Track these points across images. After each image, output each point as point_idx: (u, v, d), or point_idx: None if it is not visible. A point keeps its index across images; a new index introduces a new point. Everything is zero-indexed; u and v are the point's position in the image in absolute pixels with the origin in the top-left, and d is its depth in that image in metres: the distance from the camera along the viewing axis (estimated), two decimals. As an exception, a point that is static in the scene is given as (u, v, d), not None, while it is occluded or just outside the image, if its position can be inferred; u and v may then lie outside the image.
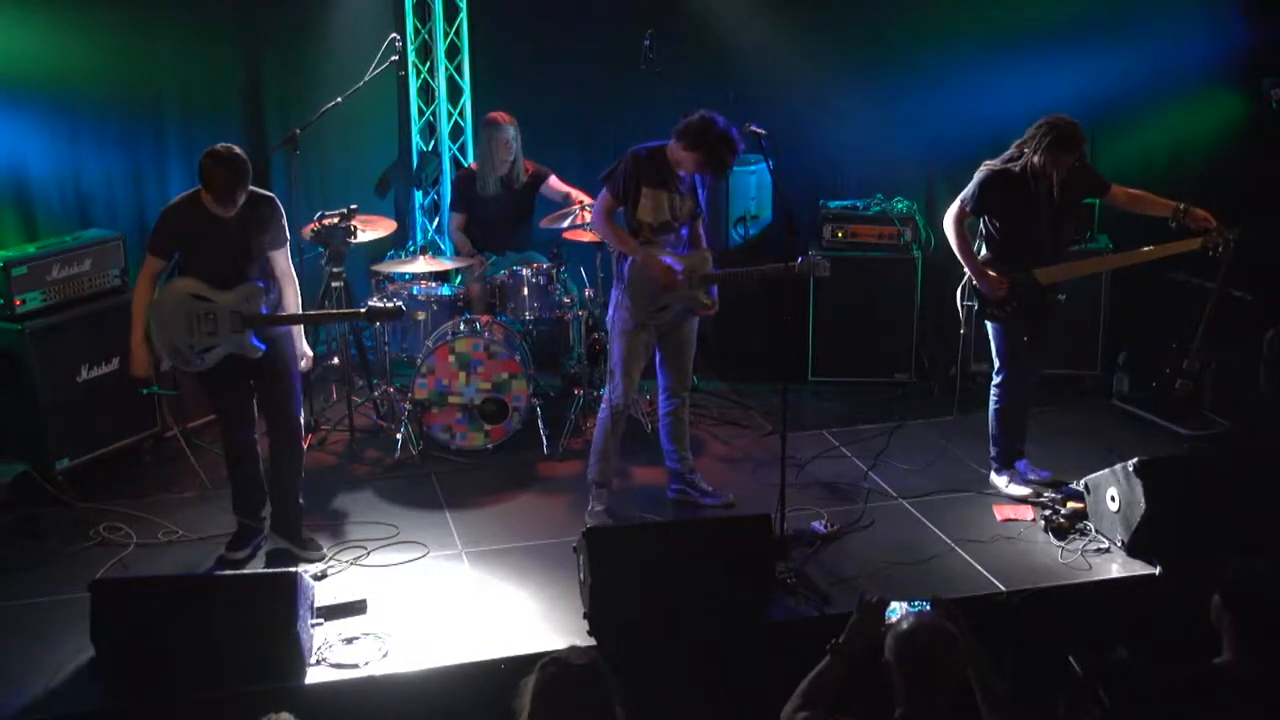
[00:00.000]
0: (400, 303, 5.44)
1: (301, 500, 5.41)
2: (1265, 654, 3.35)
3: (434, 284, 6.75)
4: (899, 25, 7.77)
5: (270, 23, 7.44)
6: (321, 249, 6.35)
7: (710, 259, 5.63)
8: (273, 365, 5.19)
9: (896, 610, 3.66)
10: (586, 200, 6.69)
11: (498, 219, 6.98)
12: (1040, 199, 5.45)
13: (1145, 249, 5.79)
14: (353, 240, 6.32)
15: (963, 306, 5.75)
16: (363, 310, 5.42)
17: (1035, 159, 5.36)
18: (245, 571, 5.13)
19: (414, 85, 7.88)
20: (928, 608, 3.62)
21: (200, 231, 4.98)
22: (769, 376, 6.98)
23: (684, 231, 5.56)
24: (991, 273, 5.58)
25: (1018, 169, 5.44)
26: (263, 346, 5.09)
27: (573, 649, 3.26)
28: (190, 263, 5.08)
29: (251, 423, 5.33)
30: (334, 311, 5.69)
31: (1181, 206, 5.47)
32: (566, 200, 6.84)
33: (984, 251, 5.67)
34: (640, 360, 5.58)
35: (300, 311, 5.39)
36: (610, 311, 5.64)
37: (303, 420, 5.47)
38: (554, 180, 6.99)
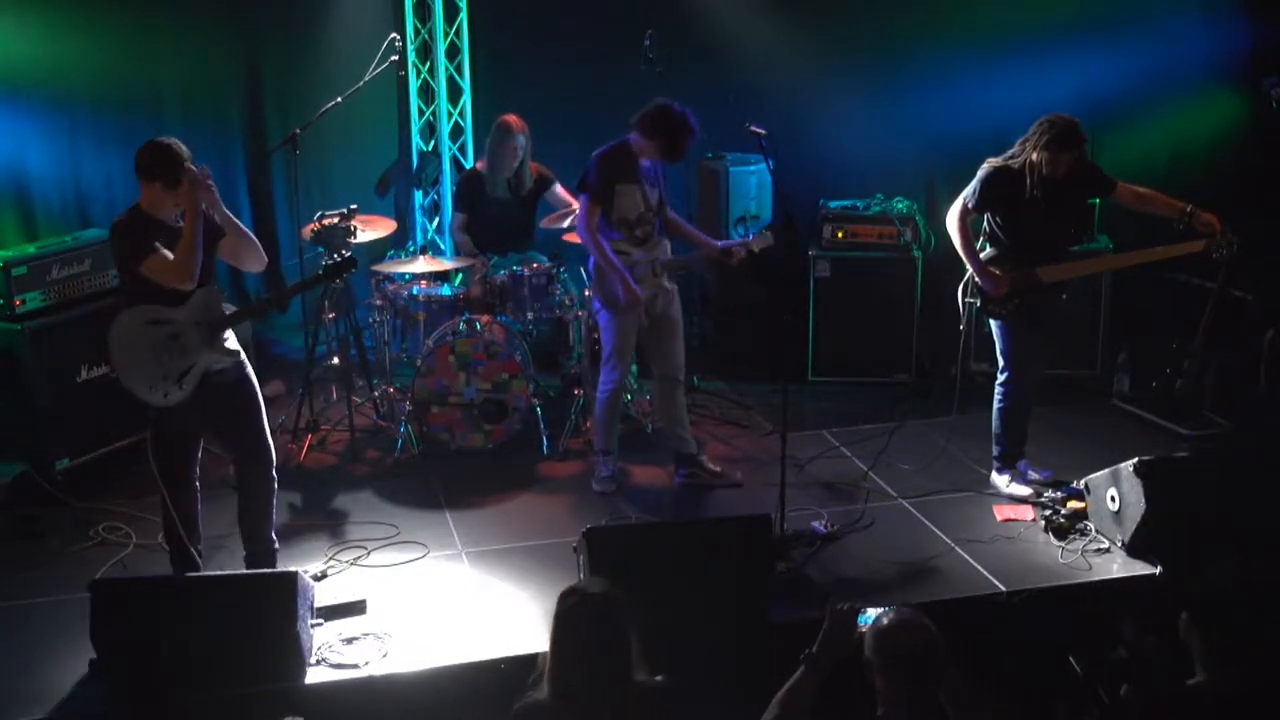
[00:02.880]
0: (350, 253, 5.39)
1: (276, 544, 5.11)
2: (1238, 670, 3.30)
3: (434, 284, 6.75)
4: (899, 25, 7.78)
5: (270, 23, 7.46)
6: (321, 249, 6.35)
7: (668, 247, 5.84)
8: (240, 387, 4.91)
9: (870, 617, 3.64)
10: None
11: (501, 221, 6.97)
12: (1042, 197, 5.45)
13: (1147, 249, 5.79)
14: (353, 240, 6.32)
15: (964, 304, 5.75)
16: (319, 273, 5.24)
17: (1034, 156, 5.38)
18: (245, 571, 5.11)
19: (414, 85, 7.89)
20: None
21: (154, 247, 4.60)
22: (769, 376, 6.98)
23: (658, 221, 5.77)
24: (994, 270, 5.58)
25: (1018, 166, 5.45)
26: (238, 349, 4.88)
27: (590, 579, 3.49)
28: (141, 287, 4.67)
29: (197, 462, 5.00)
30: (295, 285, 5.36)
31: (1189, 209, 5.47)
32: (567, 208, 6.84)
33: (987, 249, 5.67)
34: (631, 340, 5.82)
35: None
36: (595, 303, 5.85)
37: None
38: (559, 188, 6.98)
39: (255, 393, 4.98)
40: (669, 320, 5.87)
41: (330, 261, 5.35)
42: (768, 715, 3.37)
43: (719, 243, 5.98)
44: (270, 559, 5.09)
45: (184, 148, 4.64)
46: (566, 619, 3.35)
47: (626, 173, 5.61)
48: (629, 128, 5.62)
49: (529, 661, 4.32)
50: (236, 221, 4.86)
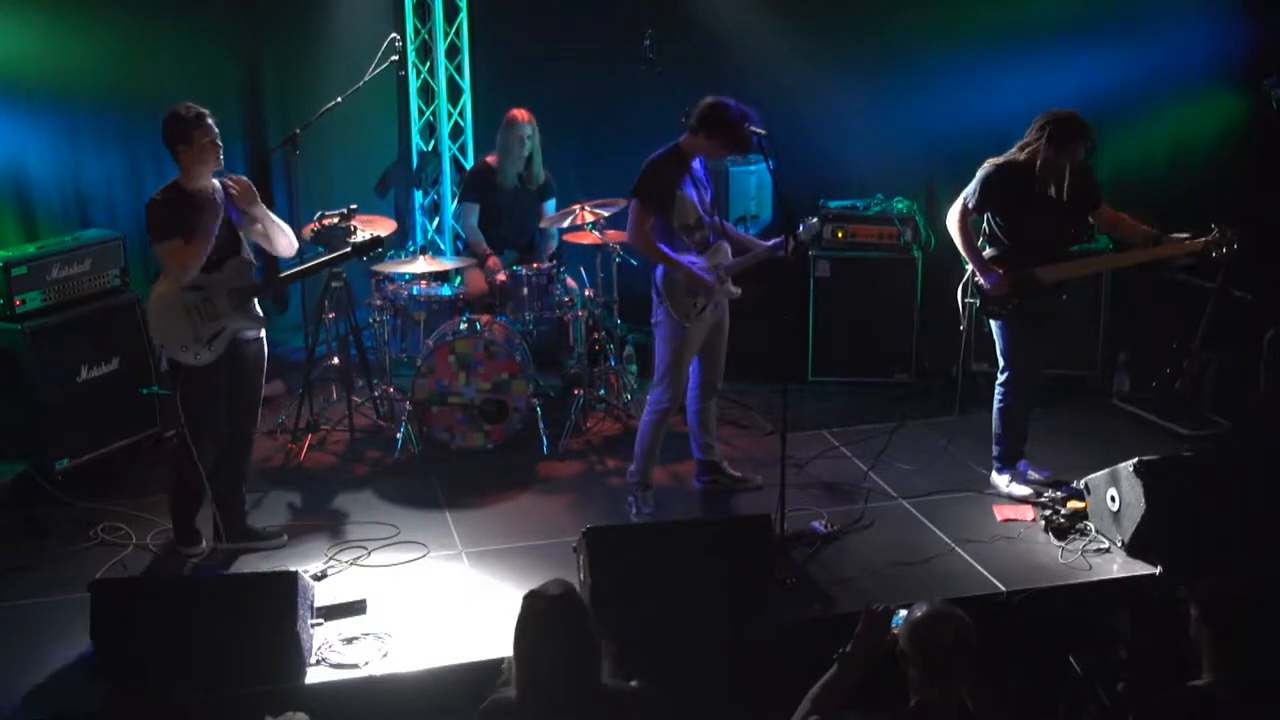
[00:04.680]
0: (376, 233, 5.64)
1: (247, 505, 5.51)
2: (1243, 673, 3.31)
3: (434, 284, 6.75)
4: (899, 25, 7.78)
5: (270, 23, 7.45)
6: (321, 249, 6.35)
7: (728, 250, 5.67)
8: (258, 357, 5.28)
9: (902, 619, 3.65)
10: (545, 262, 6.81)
11: (510, 214, 6.97)
12: (1042, 197, 5.45)
13: (1147, 249, 5.79)
14: (353, 240, 6.32)
15: (964, 304, 5.75)
16: (347, 250, 5.63)
17: (1048, 153, 5.36)
18: (245, 571, 5.13)
19: (414, 85, 7.89)
20: None
21: (193, 218, 4.95)
22: (769, 376, 6.98)
23: (712, 224, 5.63)
24: (995, 269, 5.58)
25: (1024, 158, 5.43)
26: (264, 318, 5.20)
27: (551, 581, 3.46)
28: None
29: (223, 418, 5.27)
30: (322, 259, 5.72)
31: (1155, 234, 5.53)
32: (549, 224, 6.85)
33: (987, 250, 5.67)
34: (689, 360, 5.62)
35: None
36: (655, 317, 5.60)
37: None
38: (551, 205, 6.97)
39: (264, 365, 5.35)
40: (721, 329, 5.73)
41: (360, 239, 5.73)
42: (800, 712, 3.38)
43: (767, 242, 5.73)
44: (242, 513, 5.41)
45: (193, 107, 4.95)
46: (529, 622, 3.33)
47: (682, 177, 5.47)
48: (680, 131, 5.44)
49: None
50: (271, 217, 5.23)
